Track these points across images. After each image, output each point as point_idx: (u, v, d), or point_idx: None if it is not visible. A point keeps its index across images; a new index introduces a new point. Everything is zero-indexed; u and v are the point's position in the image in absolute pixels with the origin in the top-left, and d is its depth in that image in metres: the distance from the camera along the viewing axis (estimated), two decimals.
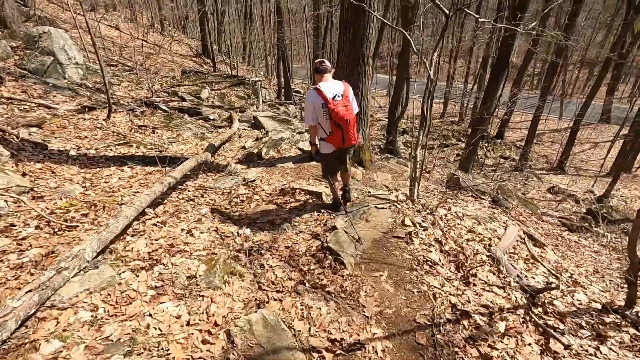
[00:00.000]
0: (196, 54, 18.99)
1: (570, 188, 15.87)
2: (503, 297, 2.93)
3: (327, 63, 3.39)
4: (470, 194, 5.45)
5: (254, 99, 12.39)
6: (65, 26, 12.14)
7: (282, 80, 17.28)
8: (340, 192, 4.21)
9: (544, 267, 3.47)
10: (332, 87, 3.31)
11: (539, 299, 2.90)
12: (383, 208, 4.03)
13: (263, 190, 4.92)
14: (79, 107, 6.82)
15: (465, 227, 4.18)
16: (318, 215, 4.12)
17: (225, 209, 4.32)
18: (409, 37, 4.03)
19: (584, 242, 6.28)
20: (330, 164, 3.92)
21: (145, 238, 3.44)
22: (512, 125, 22.25)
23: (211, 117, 8.41)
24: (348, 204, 4.23)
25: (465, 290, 2.97)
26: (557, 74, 18.94)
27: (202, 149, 6.47)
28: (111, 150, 5.72)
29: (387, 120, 11.82)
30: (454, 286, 3.00)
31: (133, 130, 6.84)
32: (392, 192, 4.99)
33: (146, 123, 7.21)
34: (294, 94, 18.40)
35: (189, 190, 4.76)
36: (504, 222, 4.73)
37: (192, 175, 5.30)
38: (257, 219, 4.09)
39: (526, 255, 3.80)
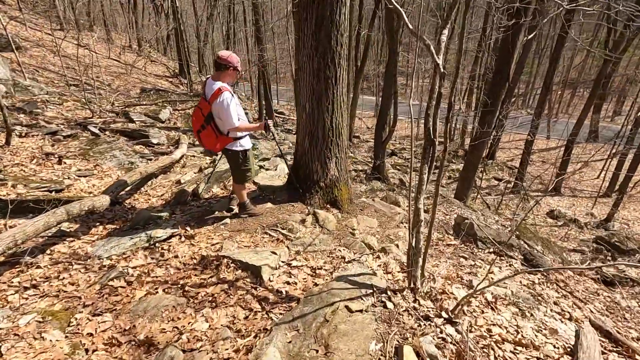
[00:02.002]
0: (173, 74, 17.17)
1: (569, 211, 14.19)
2: None
3: (224, 59, 2.99)
4: (491, 249, 3.56)
5: None
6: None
7: (263, 100, 15.48)
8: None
9: None
10: (209, 85, 3.06)
11: None
12: (361, 311, 2.06)
13: (177, 257, 2.94)
14: None
15: (506, 329, 2.24)
16: (245, 322, 2.15)
17: (84, 306, 2.32)
18: (400, 11, 2.17)
19: None
20: None
21: None
22: (501, 145, 20.69)
23: (154, 141, 6.45)
24: (302, 299, 2.27)
25: None
26: (549, 93, 17.51)
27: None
28: None
29: (373, 141, 10.03)
30: None
31: (35, 161, 4.85)
32: (377, 258, 3.03)
33: (57, 151, 5.22)
34: (276, 115, 16.62)
35: (40, 265, 2.74)
36: (556, 307, 2.79)
37: (69, 231, 3.32)
38: (125, 333, 2.09)
39: None
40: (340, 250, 3.12)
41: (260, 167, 5.69)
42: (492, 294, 2.67)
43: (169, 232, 3.23)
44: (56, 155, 4.93)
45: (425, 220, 2.24)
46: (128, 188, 4.25)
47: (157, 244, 3.10)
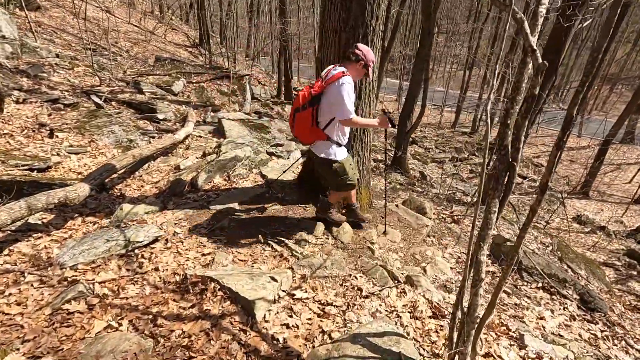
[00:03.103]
0: (193, 44, 16.42)
1: (596, 216, 13.16)
2: None
3: (359, 51, 2.49)
4: (539, 283, 2.86)
5: (239, 96, 9.79)
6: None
7: (283, 77, 14.65)
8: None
9: None
10: (332, 69, 2.50)
11: None
12: None
13: (157, 270, 2.36)
14: None
15: None
16: None
17: (24, 341, 1.77)
18: None
19: None
20: None
21: None
22: (527, 140, 19.40)
23: (160, 116, 5.84)
24: None
25: None
26: (589, 88, 16.05)
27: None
28: None
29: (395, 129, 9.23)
30: None
31: (25, 132, 4.32)
32: (402, 294, 2.38)
33: (52, 122, 4.68)
34: (295, 93, 15.80)
35: None
36: None
37: (40, 223, 2.78)
38: None
39: None
40: (356, 278, 2.48)
41: (271, 154, 5.04)
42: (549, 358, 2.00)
43: (153, 235, 2.64)
44: (48, 127, 4.38)
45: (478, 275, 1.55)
46: (120, 172, 3.67)
47: (136, 250, 2.53)
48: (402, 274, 2.69)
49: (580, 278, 4.11)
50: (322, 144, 2.64)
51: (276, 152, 5.21)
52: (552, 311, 2.60)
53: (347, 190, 2.93)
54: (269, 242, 2.78)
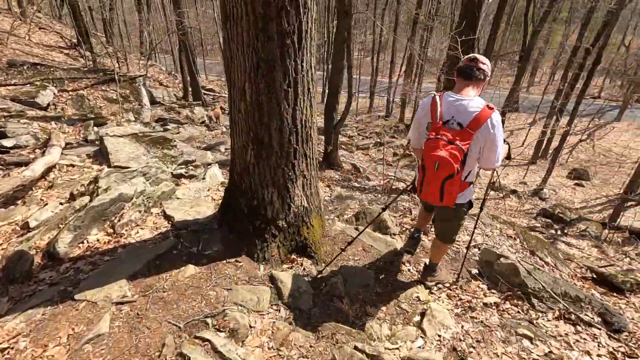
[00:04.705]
0: (70, 45, 13.41)
1: (504, 180, 14.14)
2: None
3: (484, 65, 1.75)
4: (555, 312, 2.18)
5: (134, 102, 7.89)
6: None
7: (188, 77, 12.71)
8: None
9: None
10: (457, 104, 1.69)
11: None
12: None
13: None
14: None
15: None
16: None
17: None
18: None
19: None
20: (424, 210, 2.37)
21: None
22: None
23: (8, 142, 4.01)
24: None
25: None
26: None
27: None
28: None
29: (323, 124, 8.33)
30: None
31: None
32: None
33: None
34: (205, 92, 13.98)
35: None
36: None
37: None
38: None
39: None
40: None
41: (180, 176, 3.71)
42: None
43: None
44: None
45: None
46: None
47: None
48: (395, 355, 1.74)
49: (552, 269, 3.68)
50: (464, 194, 1.94)
51: (187, 173, 3.87)
52: (589, 354, 1.95)
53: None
54: (183, 347, 1.60)
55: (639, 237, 8.29)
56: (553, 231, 8.69)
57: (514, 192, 12.43)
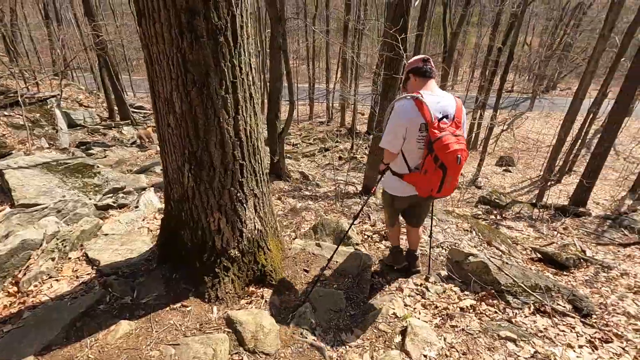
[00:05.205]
0: None
1: None
2: None
3: (432, 63, 1.86)
4: (530, 307, 2.10)
5: (47, 127, 6.85)
6: None
7: (112, 95, 11.51)
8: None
9: None
10: (439, 100, 1.75)
11: None
12: None
13: None
14: None
15: None
16: None
17: None
18: None
19: None
20: (396, 211, 2.22)
21: None
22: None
23: None
24: None
25: None
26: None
27: None
28: None
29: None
30: None
31: None
32: None
33: None
34: (133, 110, 12.84)
35: None
36: None
37: None
38: None
39: None
40: None
41: (106, 208, 3.15)
42: None
43: None
44: None
45: None
46: None
47: None
48: None
49: (509, 257, 3.75)
50: None
51: (115, 202, 3.31)
52: (571, 347, 1.89)
53: None
54: None
55: (562, 212, 9.14)
56: (493, 216, 9.24)
57: None
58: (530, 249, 4.85)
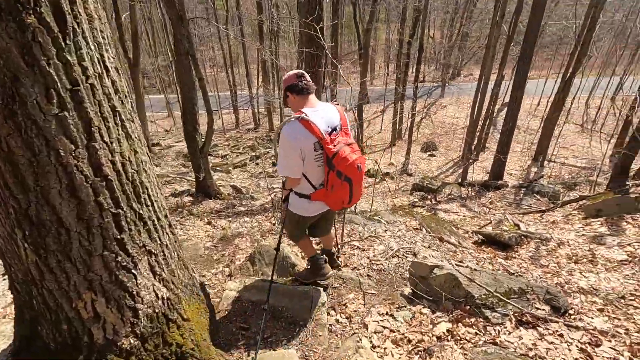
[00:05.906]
0: None
1: (375, 166, 15.19)
2: None
3: (308, 77, 1.78)
4: (511, 318, 1.79)
5: None
6: None
7: None
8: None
9: None
10: (322, 115, 1.71)
11: None
12: None
13: None
14: None
15: None
16: None
17: None
18: None
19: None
20: (304, 227, 2.10)
21: None
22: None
23: None
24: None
25: None
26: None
27: None
28: None
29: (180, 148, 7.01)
30: None
31: None
32: None
33: None
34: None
35: None
36: None
37: None
38: None
39: None
40: None
41: None
42: None
43: None
44: None
45: None
46: None
47: None
48: None
49: (458, 248, 3.58)
50: None
51: None
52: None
53: None
54: None
55: (485, 187, 9.73)
56: (429, 202, 9.49)
57: (386, 174, 13.36)
58: (472, 232, 4.85)
